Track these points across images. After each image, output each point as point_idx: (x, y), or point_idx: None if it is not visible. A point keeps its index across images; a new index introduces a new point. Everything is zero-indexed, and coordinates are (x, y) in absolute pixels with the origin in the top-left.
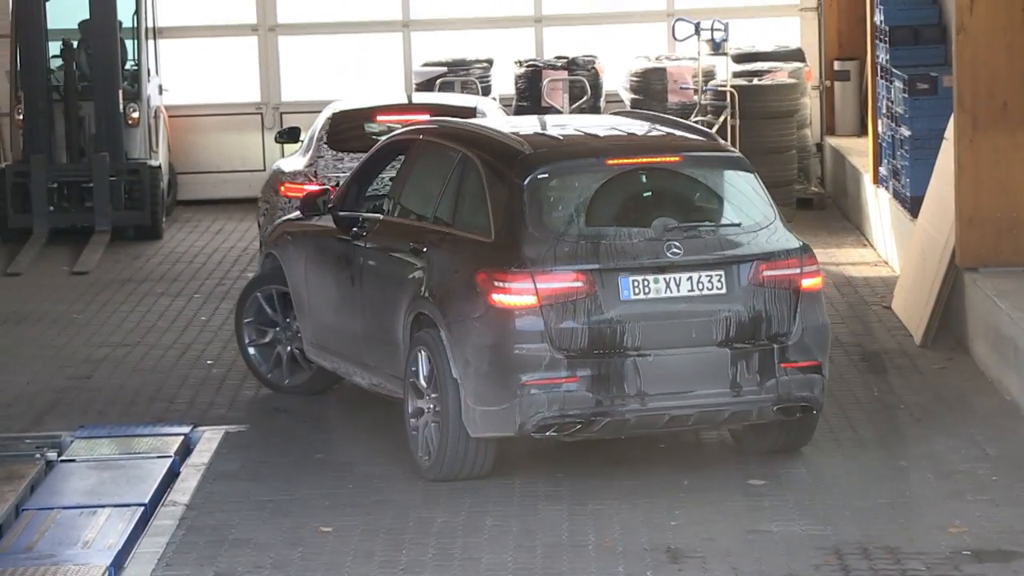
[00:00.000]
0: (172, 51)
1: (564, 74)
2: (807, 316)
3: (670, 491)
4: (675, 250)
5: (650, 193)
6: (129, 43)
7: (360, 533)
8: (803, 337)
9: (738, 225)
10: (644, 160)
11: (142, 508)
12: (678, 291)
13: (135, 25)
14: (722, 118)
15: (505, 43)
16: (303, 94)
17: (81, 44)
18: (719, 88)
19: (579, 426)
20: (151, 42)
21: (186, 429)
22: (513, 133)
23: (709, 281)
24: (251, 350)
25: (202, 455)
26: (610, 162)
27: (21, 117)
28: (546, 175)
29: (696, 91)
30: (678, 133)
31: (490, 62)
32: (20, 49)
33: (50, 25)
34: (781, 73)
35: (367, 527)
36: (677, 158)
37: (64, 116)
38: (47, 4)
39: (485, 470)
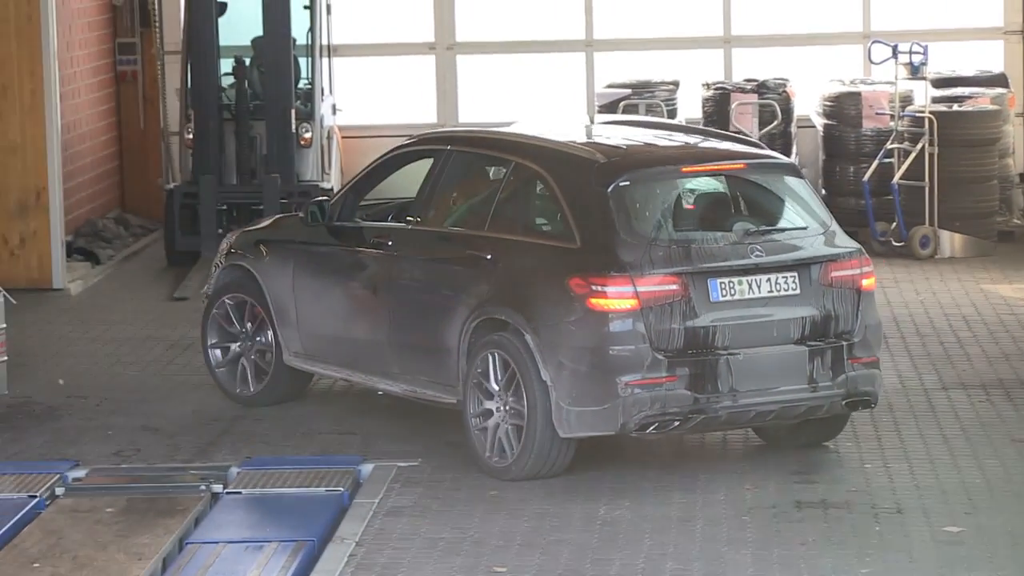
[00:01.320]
0: (347, 69)
1: (754, 97)
2: (867, 314)
3: (860, 536)
4: (758, 253)
5: (723, 198)
6: (303, 61)
7: (535, 574)
8: (866, 334)
9: (805, 228)
10: (714, 167)
11: (310, 544)
12: (759, 292)
13: (309, 43)
14: (919, 145)
15: (692, 64)
16: (481, 115)
17: (253, 62)
18: (917, 114)
19: (677, 423)
20: (325, 60)
21: (356, 462)
22: (572, 142)
23: (785, 282)
24: (217, 354)
25: (372, 490)
26: (685, 169)
27: (191, 136)
28: (628, 182)
29: (892, 117)
30: (725, 141)
31: (676, 84)
32: (191, 67)
33: (222, 42)
34: (983, 99)
35: (542, 568)
36: (742, 165)
37: (235, 136)
38: (220, 21)
39: (562, 469)
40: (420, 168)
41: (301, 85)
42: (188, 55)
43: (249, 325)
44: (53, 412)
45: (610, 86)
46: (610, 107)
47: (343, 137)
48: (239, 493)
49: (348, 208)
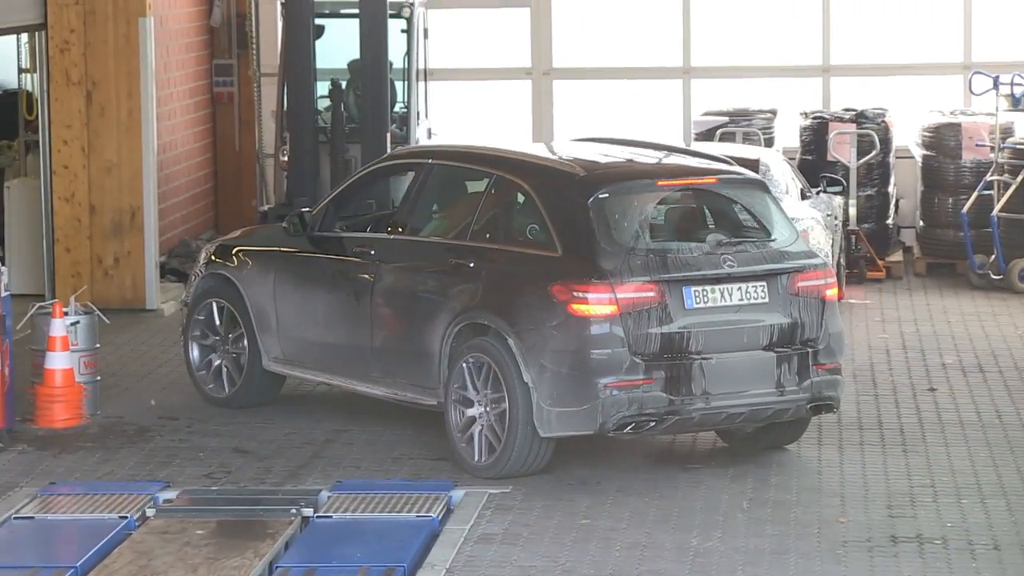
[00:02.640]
0: (443, 94)
1: (852, 127)
2: (831, 323)
3: (957, 572)
4: (730, 263)
5: (696, 211)
6: (399, 84)
7: None
8: (829, 342)
9: (773, 240)
10: (688, 181)
11: (400, 569)
12: (731, 300)
13: (406, 66)
14: (1020, 177)
15: (790, 93)
16: None
17: (350, 85)
18: (1017, 146)
19: (653, 424)
20: (422, 84)
21: (448, 488)
22: (552, 157)
23: (755, 291)
24: (195, 357)
25: (464, 516)
26: (661, 183)
27: (286, 159)
28: (607, 195)
29: (992, 148)
30: (695, 157)
31: (774, 112)
32: (288, 89)
33: (319, 65)
34: None
35: None
36: (714, 180)
37: (330, 159)
38: (316, 43)
39: (540, 467)
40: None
41: (397, 109)
42: (284, 77)
43: (227, 331)
44: (144, 433)
45: (707, 114)
46: (707, 135)
47: None
48: (330, 517)
49: (329, 219)
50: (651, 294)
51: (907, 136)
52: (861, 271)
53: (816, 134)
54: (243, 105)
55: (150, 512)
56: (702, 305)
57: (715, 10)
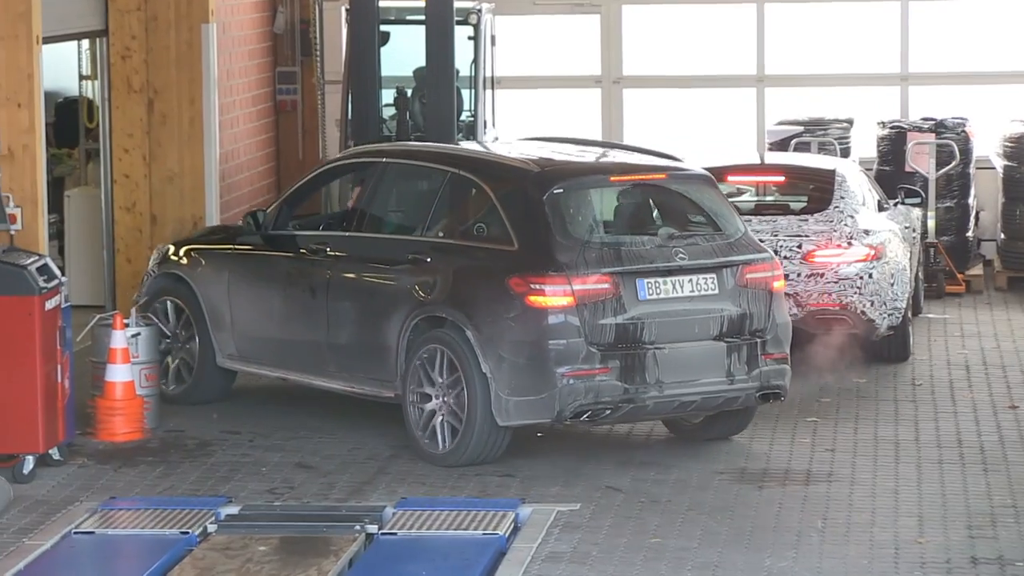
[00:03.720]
0: (510, 102)
1: (931, 137)
2: (778, 314)
3: None
4: (682, 255)
5: (647, 206)
6: (465, 92)
7: None
8: (777, 332)
9: (721, 233)
10: (639, 177)
11: None
12: (682, 292)
13: (473, 74)
14: None
15: (867, 102)
16: None
17: (415, 93)
18: None
19: (609, 412)
20: (488, 92)
21: (515, 505)
22: (506, 155)
23: (705, 282)
24: None
25: (531, 534)
26: (613, 179)
27: None
28: (561, 190)
29: None
30: (640, 154)
31: (850, 122)
32: (352, 97)
33: (384, 72)
34: None
35: None
36: (664, 175)
37: None
38: (382, 50)
39: (498, 456)
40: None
41: (463, 117)
42: (349, 85)
43: (179, 329)
44: (206, 447)
45: (781, 123)
46: (781, 145)
47: None
48: (394, 535)
49: (283, 218)
50: (606, 286)
51: (988, 146)
52: (940, 285)
53: (894, 144)
54: (306, 113)
55: (212, 528)
56: (655, 296)
57: (790, 17)
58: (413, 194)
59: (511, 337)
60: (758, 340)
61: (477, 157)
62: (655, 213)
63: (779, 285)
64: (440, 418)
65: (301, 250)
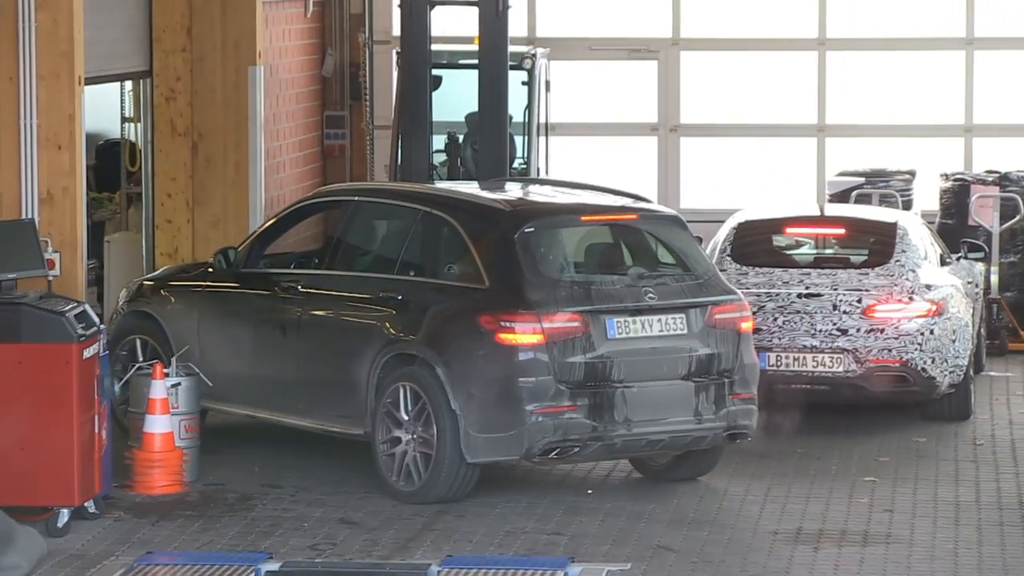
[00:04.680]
0: (564, 149)
1: (995, 190)
2: (745, 354)
3: None
4: (651, 295)
5: (618, 246)
6: (518, 139)
7: None
8: (744, 373)
9: (690, 273)
10: (609, 217)
11: None
12: (651, 331)
13: (526, 120)
14: None
15: (930, 153)
16: (703, 201)
17: (467, 139)
18: None
19: (577, 449)
20: (542, 139)
21: (563, 564)
22: (477, 194)
23: (674, 322)
24: (116, 391)
25: None
26: (584, 219)
27: None
28: (532, 229)
29: None
30: (613, 195)
31: (912, 174)
32: (402, 142)
33: (435, 117)
34: None
35: None
36: (634, 216)
37: None
38: (433, 95)
39: (467, 493)
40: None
41: (516, 164)
42: (399, 130)
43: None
44: (247, 501)
45: (842, 174)
46: (842, 196)
47: None
48: None
49: (254, 256)
50: (576, 324)
51: None
52: (1002, 342)
53: (957, 197)
54: (355, 159)
55: None
56: (624, 335)
57: (852, 65)
58: (385, 232)
59: (481, 374)
60: (726, 380)
61: (449, 196)
62: (625, 253)
63: (747, 326)
64: (409, 456)
65: (272, 288)
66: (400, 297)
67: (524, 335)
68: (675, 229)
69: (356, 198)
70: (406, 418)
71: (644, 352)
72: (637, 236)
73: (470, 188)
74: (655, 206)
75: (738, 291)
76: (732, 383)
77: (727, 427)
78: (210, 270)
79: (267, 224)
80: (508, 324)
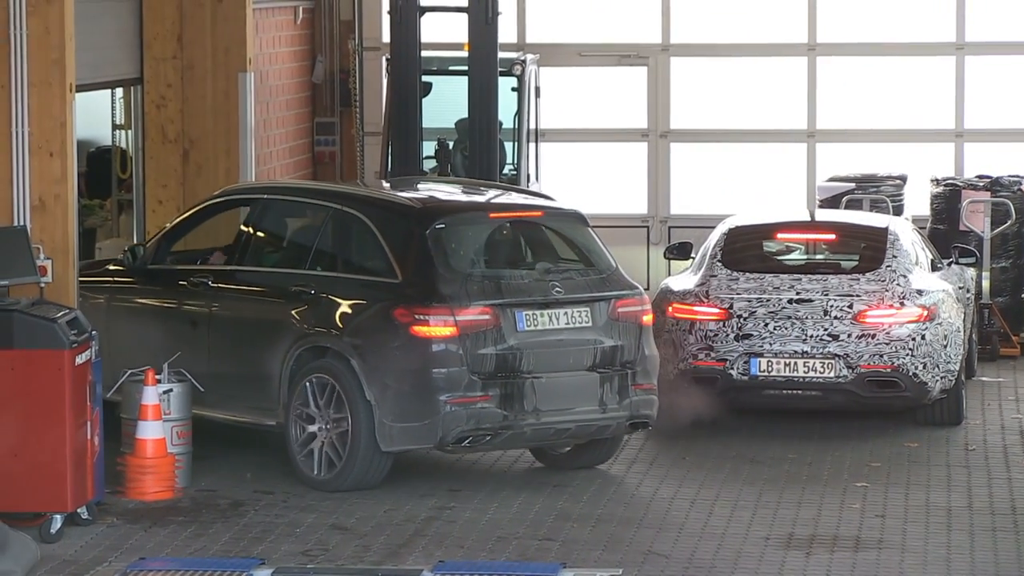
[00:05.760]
0: (554, 155)
1: (986, 195)
2: (647, 346)
3: None
4: (558, 289)
5: (524, 242)
6: (508, 146)
7: None
8: (646, 364)
9: (594, 268)
10: (516, 214)
11: None
12: (558, 324)
13: (516, 126)
14: None
15: (921, 158)
16: (694, 207)
17: (457, 145)
18: None
19: (489, 438)
20: (532, 145)
21: (554, 570)
22: (387, 192)
23: (579, 315)
24: None
25: None
26: (492, 215)
27: None
28: (443, 225)
29: None
30: (519, 193)
31: (903, 179)
32: (392, 149)
33: (425, 124)
34: None
35: None
36: (540, 213)
37: None
38: (423, 101)
39: (381, 480)
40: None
41: (506, 171)
42: (389, 136)
43: None
44: (239, 507)
45: (832, 179)
46: (832, 201)
47: None
48: None
49: (162, 252)
50: (487, 317)
51: None
52: (994, 347)
53: (948, 202)
54: (345, 165)
55: None
56: (532, 328)
57: (842, 71)
58: (295, 229)
59: (396, 366)
60: (629, 371)
61: (359, 194)
62: (532, 249)
63: (647, 319)
64: (320, 444)
65: (181, 283)
66: (313, 292)
67: (438, 328)
68: (578, 226)
69: (265, 196)
70: (319, 409)
71: (551, 344)
72: (543, 232)
73: (377, 186)
74: (559, 204)
75: (639, 286)
76: (635, 374)
77: (630, 416)
78: (117, 267)
79: (175, 222)
80: (422, 317)
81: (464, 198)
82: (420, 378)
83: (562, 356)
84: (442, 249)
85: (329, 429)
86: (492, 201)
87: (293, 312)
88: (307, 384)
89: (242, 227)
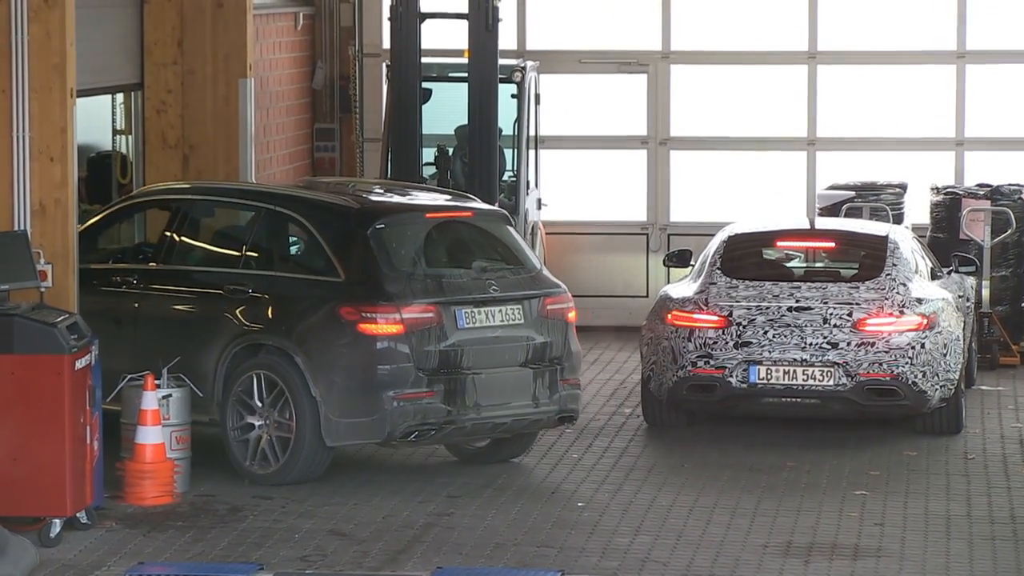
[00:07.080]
0: (554, 162)
1: (986, 204)
2: (572, 343)
3: None
4: (494, 287)
5: (459, 241)
6: (508, 152)
7: None
8: (572, 360)
9: (523, 266)
10: (450, 214)
11: None
12: (494, 321)
13: (516, 133)
14: None
15: (921, 167)
16: (693, 215)
17: (457, 152)
18: None
19: (433, 432)
20: (532, 152)
21: None
22: (322, 193)
23: (512, 313)
24: None
25: None
26: (428, 216)
27: None
28: (383, 225)
29: None
30: (444, 194)
31: (903, 187)
32: (392, 155)
33: (425, 130)
34: None
35: None
36: (471, 213)
37: None
38: (423, 108)
39: (321, 474)
40: None
41: (506, 177)
42: (389, 143)
43: None
44: (237, 512)
45: (832, 187)
46: (832, 209)
47: (547, 233)
48: None
49: (82, 251)
50: (431, 315)
51: None
52: (994, 356)
53: (948, 211)
54: (345, 171)
55: None
56: (471, 325)
57: (842, 79)
58: (225, 228)
59: (342, 363)
60: (558, 367)
61: (292, 194)
62: (467, 248)
63: (572, 316)
64: (264, 440)
65: (104, 281)
66: (250, 290)
67: (385, 325)
68: (504, 226)
69: (190, 196)
70: (260, 405)
71: (489, 341)
72: (475, 232)
73: (308, 188)
74: (485, 205)
75: (563, 284)
76: (563, 369)
77: (559, 411)
78: None
79: (95, 219)
80: (370, 315)
81: (398, 199)
82: (367, 375)
83: (498, 353)
84: (384, 249)
85: (270, 427)
86: (425, 202)
87: (229, 310)
88: (246, 381)
89: (167, 226)
